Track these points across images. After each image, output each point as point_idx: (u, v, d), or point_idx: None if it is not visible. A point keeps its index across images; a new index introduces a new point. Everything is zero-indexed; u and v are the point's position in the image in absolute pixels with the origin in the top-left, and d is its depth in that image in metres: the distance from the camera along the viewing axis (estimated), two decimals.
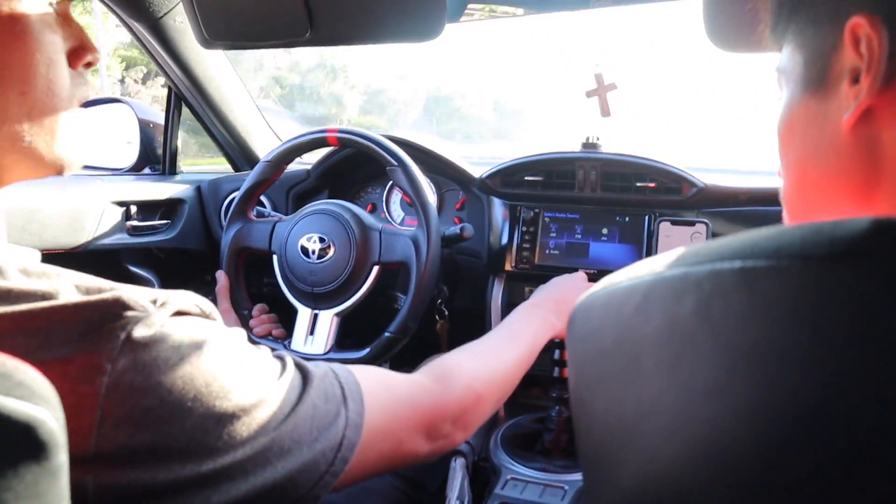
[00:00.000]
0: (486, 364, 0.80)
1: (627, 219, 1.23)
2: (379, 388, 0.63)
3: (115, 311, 0.45)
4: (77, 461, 0.41)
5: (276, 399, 0.52)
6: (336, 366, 0.62)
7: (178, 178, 1.62)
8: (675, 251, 0.31)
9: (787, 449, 0.23)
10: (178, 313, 0.49)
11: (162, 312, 0.47)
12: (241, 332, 0.56)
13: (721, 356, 0.25)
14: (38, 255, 0.53)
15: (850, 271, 0.22)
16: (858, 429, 0.22)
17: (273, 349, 1.14)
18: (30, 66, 0.53)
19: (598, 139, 1.27)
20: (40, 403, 0.36)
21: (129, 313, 0.45)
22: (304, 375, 0.57)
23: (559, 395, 1.12)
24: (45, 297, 0.45)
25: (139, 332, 0.45)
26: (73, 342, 0.43)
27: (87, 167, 1.58)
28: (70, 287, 0.47)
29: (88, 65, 0.59)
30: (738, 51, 0.61)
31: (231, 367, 0.50)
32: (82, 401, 0.42)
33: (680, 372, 0.27)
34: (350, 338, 1.19)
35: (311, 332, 1.16)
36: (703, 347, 0.26)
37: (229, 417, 0.48)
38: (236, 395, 0.49)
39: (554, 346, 1.13)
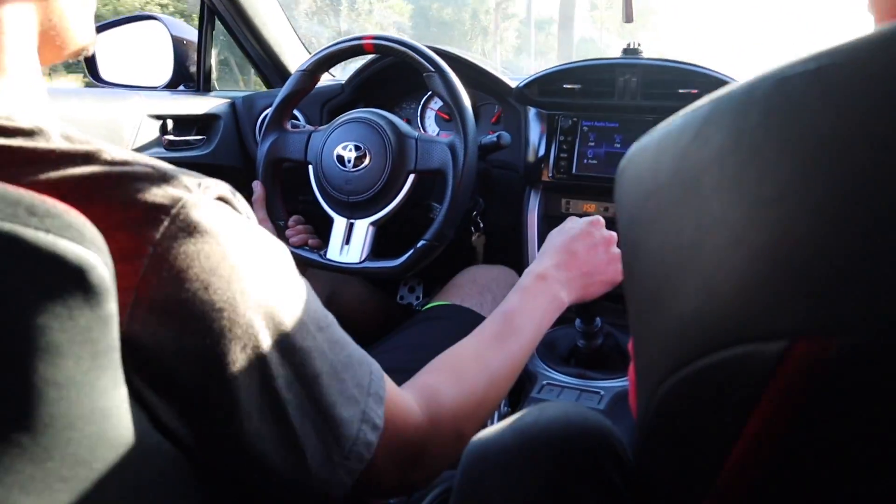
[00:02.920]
0: (484, 394, 0.72)
1: None
2: (392, 405, 0.59)
3: (160, 190, 0.43)
4: None
5: (307, 340, 0.50)
6: (374, 362, 0.59)
7: (212, 94, 1.61)
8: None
9: (866, 239, 0.22)
10: (220, 199, 0.48)
11: (206, 196, 0.46)
12: (285, 248, 0.54)
13: (790, 158, 0.24)
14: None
15: None
16: None
17: (310, 259, 1.15)
18: None
19: (639, 45, 1.23)
20: (90, 248, 0.36)
21: (175, 193, 0.44)
22: (345, 342, 0.55)
23: (586, 330, 1.08)
24: (86, 157, 0.43)
25: (184, 217, 0.43)
26: (117, 219, 0.42)
27: (122, 84, 1.59)
28: (113, 150, 0.45)
29: None
30: None
31: (273, 284, 0.49)
32: (121, 279, 0.40)
33: (746, 183, 0.26)
34: (386, 248, 1.19)
35: (347, 242, 1.17)
36: (771, 154, 0.25)
37: (256, 337, 0.46)
38: (271, 316, 0.48)
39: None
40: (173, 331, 0.43)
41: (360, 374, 0.55)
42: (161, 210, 0.43)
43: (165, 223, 0.42)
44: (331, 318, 0.56)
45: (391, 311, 1.57)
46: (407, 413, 0.61)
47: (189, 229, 0.43)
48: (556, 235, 0.92)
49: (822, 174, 0.23)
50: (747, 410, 0.27)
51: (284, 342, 0.48)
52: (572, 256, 0.89)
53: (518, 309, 0.82)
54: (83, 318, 0.36)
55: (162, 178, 0.44)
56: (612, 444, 0.49)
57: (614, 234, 0.89)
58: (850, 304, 0.23)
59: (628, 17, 1.17)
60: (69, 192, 0.41)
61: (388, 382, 0.59)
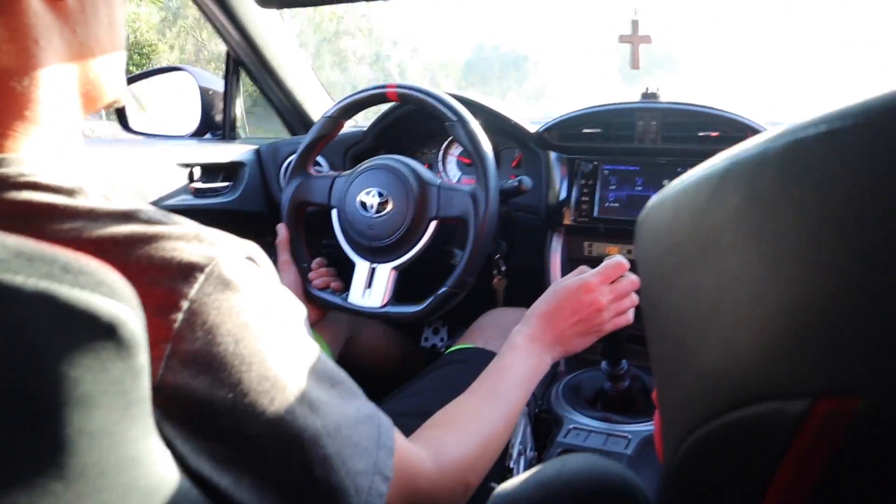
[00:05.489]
0: (484, 445, 0.75)
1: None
2: (403, 455, 0.60)
3: (195, 249, 0.45)
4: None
5: (327, 392, 0.52)
6: (383, 415, 0.60)
7: (238, 141, 1.65)
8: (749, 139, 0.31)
9: (887, 299, 0.23)
10: (248, 258, 0.50)
11: (237, 255, 0.48)
12: (304, 310, 0.56)
13: (806, 220, 0.25)
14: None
15: None
16: None
17: (332, 302, 1.16)
18: None
19: (658, 89, 1.24)
20: (122, 302, 0.37)
21: (209, 251, 0.46)
22: (357, 396, 0.57)
23: (612, 372, 1.07)
24: (125, 216, 0.46)
25: (217, 274, 0.45)
26: (154, 275, 0.43)
27: (150, 134, 1.63)
28: (150, 210, 0.47)
29: None
30: None
31: (297, 342, 0.51)
32: (157, 332, 0.42)
33: (763, 242, 0.26)
34: (407, 292, 1.20)
35: (369, 286, 1.18)
36: (787, 216, 0.26)
37: (282, 389, 0.48)
38: (295, 371, 0.49)
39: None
40: (205, 382, 0.44)
41: (371, 427, 0.56)
42: (196, 267, 0.44)
43: (200, 280, 0.44)
44: (343, 373, 0.57)
45: (413, 354, 1.57)
46: (418, 463, 0.63)
47: (222, 286, 0.45)
48: (545, 303, 0.94)
49: (840, 236, 0.24)
50: (772, 468, 0.27)
51: (307, 396, 0.50)
52: (561, 317, 0.91)
53: (510, 365, 0.86)
54: (115, 370, 0.37)
55: (196, 237, 0.46)
56: (636, 496, 0.48)
57: (603, 299, 0.91)
58: (872, 364, 0.23)
59: (634, 65, 1.19)
60: (109, 248, 0.43)
61: (398, 434, 0.61)
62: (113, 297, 0.37)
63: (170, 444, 0.43)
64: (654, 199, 0.37)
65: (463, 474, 0.70)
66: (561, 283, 0.94)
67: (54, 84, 0.51)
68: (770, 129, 0.29)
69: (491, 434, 0.77)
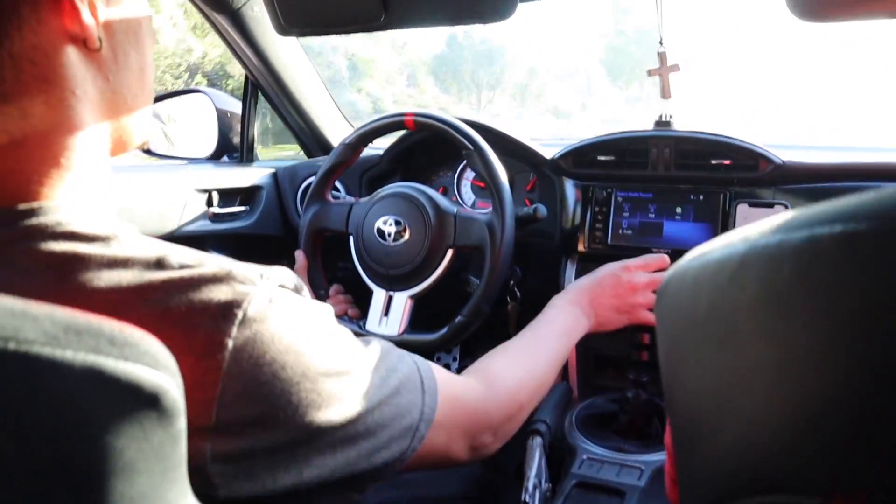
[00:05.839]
0: (530, 371, 0.83)
1: (702, 197, 1.21)
2: (446, 387, 0.66)
3: (230, 287, 0.48)
4: (199, 430, 0.44)
5: (367, 381, 0.56)
6: (418, 359, 0.65)
7: (255, 164, 1.67)
8: (770, 218, 0.32)
9: (889, 404, 0.24)
10: (281, 286, 0.52)
11: (269, 286, 0.50)
12: (331, 310, 0.58)
13: (821, 321, 0.26)
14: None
15: None
16: None
17: (350, 329, 1.17)
18: (147, 45, 0.58)
19: (670, 117, 1.25)
20: (164, 372, 0.39)
21: (243, 289, 0.48)
22: (392, 362, 0.60)
23: (636, 378, 1.11)
24: (159, 263, 0.48)
25: (254, 308, 0.47)
26: (196, 319, 0.46)
27: (167, 156, 1.65)
28: (180, 253, 0.50)
29: None
30: (828, 19, 0.57)
31: (332, 347, 0.54)
32: (205, 375, 0.45)
33: (778, 337, 0.28)
34: (424, 320, 1.21)
35: (386, 314, 1.19)
36: (802, 313, 0.27)
37: (329, 394, 0.51)
38: (336, 373, 0.52)
39: (637, 330, 1.14)
40: (257, 409, 0.47)
41: (413, 381, 0.62)
42: (234, 305, 0.47)
43: (240, 316, 0.47)
44: (374, 345, 0.61)
45: None
46: (463, 386, 0.71)
47: (261, 319, 0.48)
48: (584, 278, 1.09)
49: (851, 338, 0.25)
50: None
51: (351, 390, 0.53)
52: (597, 288, 1.05)
53: (553, 319, 0.98)
54: (157, 437, 0.39)
55: (229, 276, 0.48)
56: None
57: (639, 280, 1.05)
58: (883, 462, 0.24)
59: (665, 94, 1.20)
60: (149, 296, 0.46)
61: (437, 370, 0.67)
62: (156, 368, 0.38)
63: (220, 476, 0.46)
64: (676, 268, 0.38)
65: (512, 392, 0.77)
66: (604, 265, 1.09)
67: (88, 131, 0.53)
68: (787, 213, 0.30)
69: (536, 365, 0.86)
